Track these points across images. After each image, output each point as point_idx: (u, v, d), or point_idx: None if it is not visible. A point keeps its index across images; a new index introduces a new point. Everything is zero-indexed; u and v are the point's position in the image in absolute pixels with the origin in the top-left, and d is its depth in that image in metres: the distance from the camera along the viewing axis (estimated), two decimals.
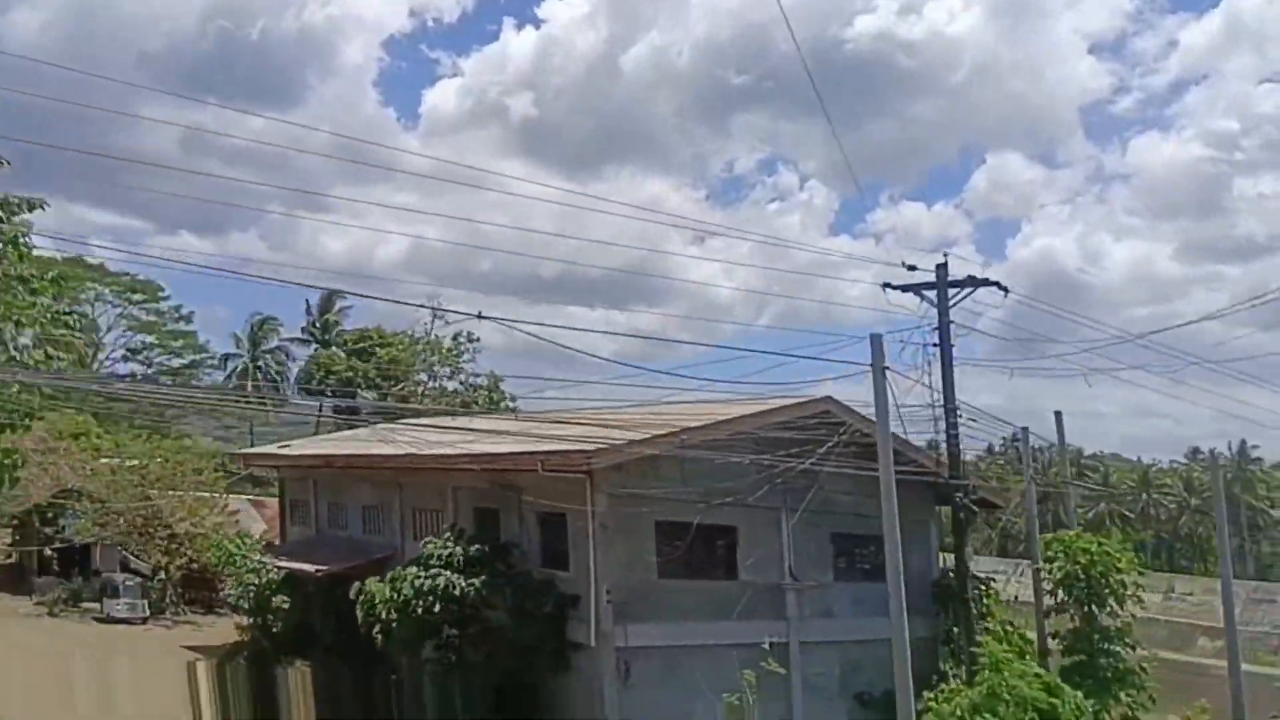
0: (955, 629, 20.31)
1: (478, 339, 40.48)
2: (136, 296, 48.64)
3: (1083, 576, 18.84)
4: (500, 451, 18.56)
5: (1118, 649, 18.70)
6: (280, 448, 27.50)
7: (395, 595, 17.60)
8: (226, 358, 50.52)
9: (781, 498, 19.70)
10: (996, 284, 19.42)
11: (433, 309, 38.83)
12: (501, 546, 18.45)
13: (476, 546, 17.92)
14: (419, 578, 17.40)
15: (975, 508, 19.04)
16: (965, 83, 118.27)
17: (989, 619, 20.99)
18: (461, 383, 38.49)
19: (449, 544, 17.84)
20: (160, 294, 48.79)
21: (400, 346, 38.65)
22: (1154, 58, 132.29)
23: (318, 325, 48.87)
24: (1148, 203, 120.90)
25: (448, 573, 17.34)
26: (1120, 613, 19.06)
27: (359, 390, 36.21)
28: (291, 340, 50.08)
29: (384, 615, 17.79)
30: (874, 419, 14.63)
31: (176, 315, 49.03)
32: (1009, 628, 21.18)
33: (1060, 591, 19.31)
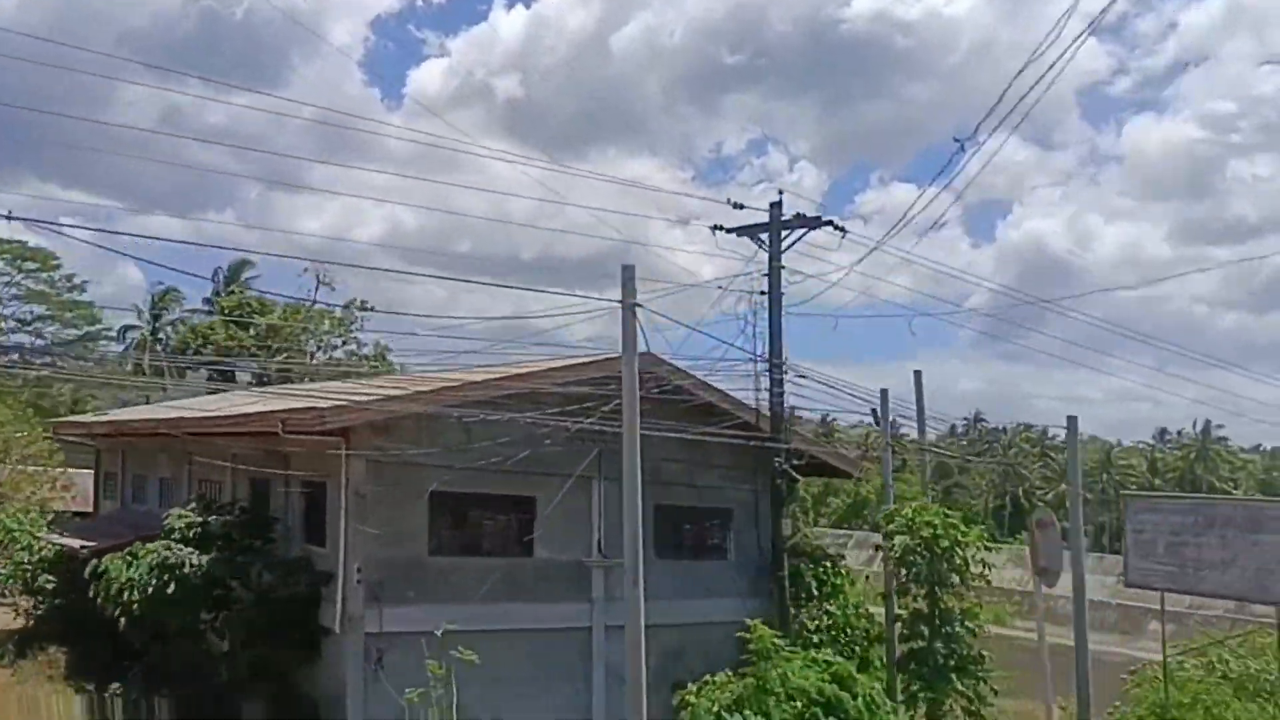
0: (794, 609, 18.35)
1: (371, 308, 38.40)
2: (29, 265, 46.26)
3: (925, 552, 16.78)
4: (245, 413, 16.40)
5: (960, 633, 16.66)
6: (97, 417, 25.39)
7: (131, 573, 15.47)
8: (125, 329, 48.26)
9: (596, 465, 17.64)
10: (831, 224, 17.34)
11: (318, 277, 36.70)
12: (260, 520, 16.32)
13: (225, 518, 15.79)
14: (154, 553, 15.27)
15: (796, 474, 16.92)
16: (961, 64, 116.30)
17: (833, 599, 19.00)
18: (350, 352, 36.45)
19: (189, 515, 15.69)
20: (53, 262, 46.40)
21: (282, 315, 36.51)
22: (1153, 39, 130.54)
23: (221, 295, 46.57)
24: (1141, 185, 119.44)
25: (185, 548, 15.22)
26: (966, 592, 17.01)
27: (236, 360, 34.18)
28: (194, 311, 47.79)
29: (124, 596, 15.67)
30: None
31: (69, 285, 46.67)
32: (858, 610, 19.23)
33: (902, 569, 17.25)
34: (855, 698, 12.91)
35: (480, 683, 15.81)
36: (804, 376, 16.68)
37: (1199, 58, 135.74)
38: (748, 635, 13.71)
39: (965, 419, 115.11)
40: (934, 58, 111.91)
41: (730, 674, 12.70)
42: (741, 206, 17.06)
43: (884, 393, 20.21)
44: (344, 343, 38.08)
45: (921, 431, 19.52)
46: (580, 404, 16.33)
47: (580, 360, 17.47)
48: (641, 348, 12.29)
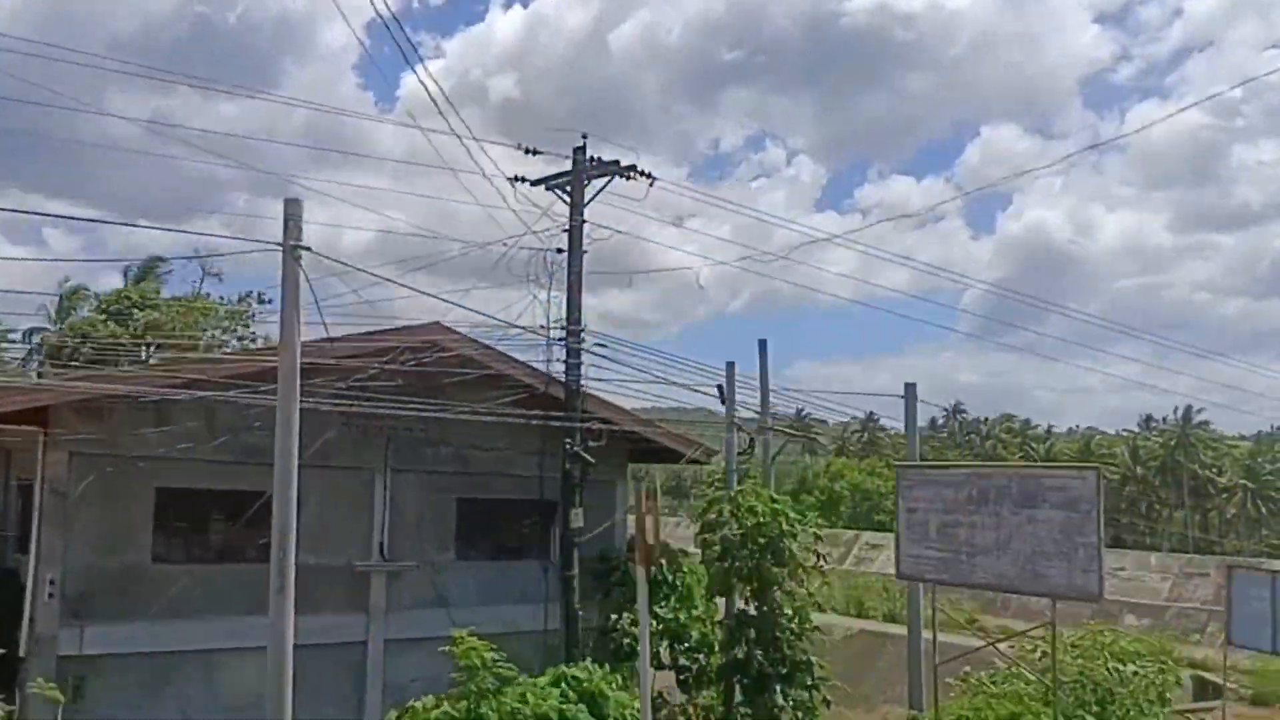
0: (619, 615, 16.15)
1: (268, 300, 36.18)
2: None
3: (750, 544, 14.55)
4: None
5: (787, 637, 14.43)
6: None
7: None
8: (31, 331, 45.93)
9: (381, 455, 15.47)
10: (638, 170, 15.14)
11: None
12: None
13: None
14: None
15: (590, 457, 14.67)
16: (963, 55, 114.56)
17: (668, 601, 16.77)
18: (245, 346, 34.30)
19: None
20: None
21: (165, 308, 34.38)
22: (1158, 26, 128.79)
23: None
24: (1143, 172, 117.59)
25: None
26: (798, 590, 14.78)
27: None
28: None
29: None
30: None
31: None
32: (694, 614, 16.99)
33: (724, 565, 15.01)
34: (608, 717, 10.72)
35: (222, 709, 13.64)
36: (603, 345, 14.45)
37: (1204, 43, 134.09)
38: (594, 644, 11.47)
39: (944, 410, 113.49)
40: (934, 50, 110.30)
41: (440, 697, 10.46)
42: (536, 152, 14.84)
43: (730, 366, 18.05)
44: (240, 338, 35.97)
45: (765, 405, 17.32)
46: (363, 380, 14.22)
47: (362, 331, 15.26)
48: (307, 298, 10.06)
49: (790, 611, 14.59)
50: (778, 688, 14.04)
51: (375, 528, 15.22)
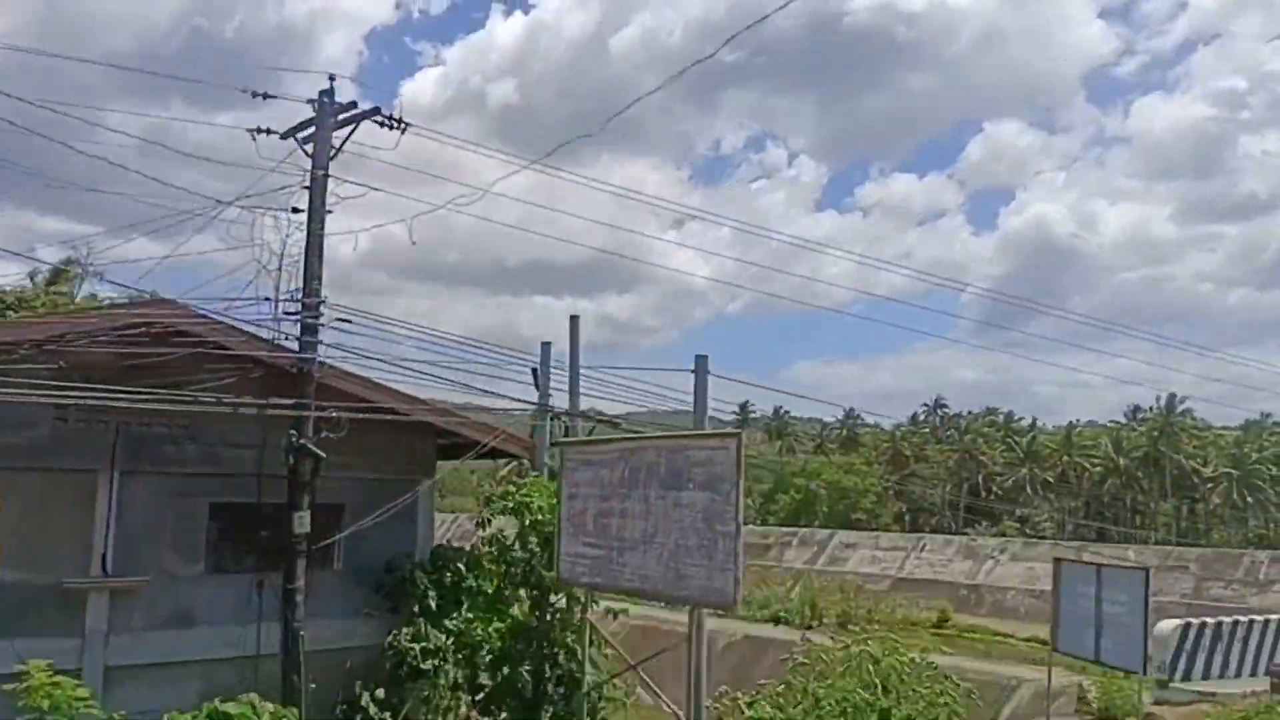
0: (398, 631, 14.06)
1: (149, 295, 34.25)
2: None
3: (523, 545, 12.50)
4: None
5: (562, 652, 12.34)
6: None
7: None
8: None
9: (108, 453, 13.37)
10: (391, 117, 13.07)
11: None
12: None
13: None
14: None
15: (319, 450, 12.55)
16: (965, 52, 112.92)
17: (491, 610, 14.66)
18: None
19: None
20: None
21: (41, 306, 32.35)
22: (1162, 19, 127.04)
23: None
24: (1147, 165, 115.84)
25: None
26: (583, 596, 12.68)
27: None
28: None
29: None
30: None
31: None
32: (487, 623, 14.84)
33: (503, 567, 12.96)
34: None
35: None
36: (347, 320, 12.36)
37: (1209, 35, 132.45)
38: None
39: (925, 405, 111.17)
40: (936, 47, 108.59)
41: None
42: (267, 96, 12.77)
43: (545, 347, 16.03)
44: None
45: (574, 386, 15.26)
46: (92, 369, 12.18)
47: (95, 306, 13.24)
48: None
49: (573, 623, 12.52)
50: (548, 711, 11.96)
51: (97, 538, 13.10)
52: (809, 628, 35.99)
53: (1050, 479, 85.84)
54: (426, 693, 13.44)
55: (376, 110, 12.77)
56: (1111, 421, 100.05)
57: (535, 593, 12.57)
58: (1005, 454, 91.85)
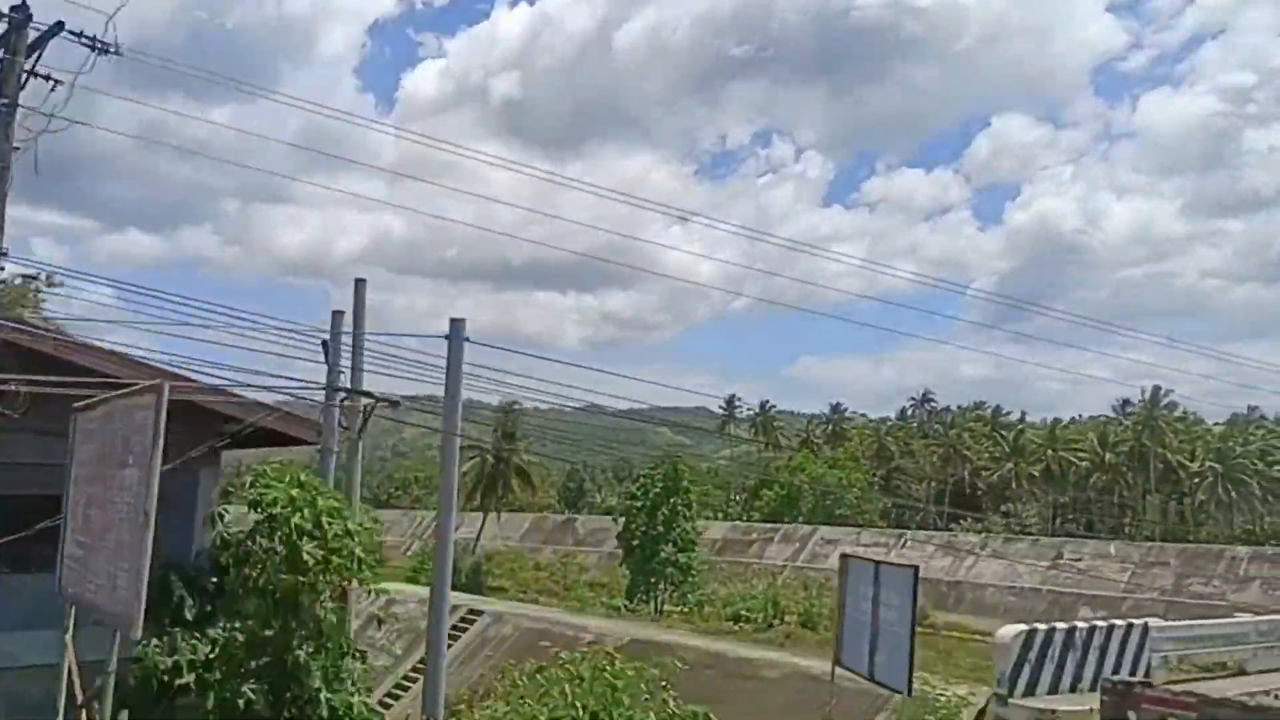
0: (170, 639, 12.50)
1: (60, 282, 32.94)
2: None
3: (258, 544, 10.99)
4: None
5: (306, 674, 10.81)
6: None
7: None
8: None
9: None
10: (86, 35, 11.50)
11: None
12: None
13: None
14: None
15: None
16: (972, 47, 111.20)
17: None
18: None
19: None
20: None
21: None
22: (1170, 14, 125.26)
23: None
24: (1153, 160, 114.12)
25: None
26: (328, 605, 11.15)
27: None
28: None
29: None
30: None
31: None
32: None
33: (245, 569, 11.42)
34: None
35: None
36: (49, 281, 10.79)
37: (1216, 29, 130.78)
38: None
39: (912, 400, 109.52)
40: (943, 43, 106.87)
41: None
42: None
43: (336, 316, 14.52)
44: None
45: (358, 355, 13.73)
46: None
47: None
48: None
49: (321, 637, 11.00)
50: None
51: None
52: (770, 626, 34.48)
53: (1036, 474, 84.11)
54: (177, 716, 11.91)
55: (61, 25, 11.16)
56: (1101, 416, 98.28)
57: (273, 601, 11.08)
58: (991, 449, 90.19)
